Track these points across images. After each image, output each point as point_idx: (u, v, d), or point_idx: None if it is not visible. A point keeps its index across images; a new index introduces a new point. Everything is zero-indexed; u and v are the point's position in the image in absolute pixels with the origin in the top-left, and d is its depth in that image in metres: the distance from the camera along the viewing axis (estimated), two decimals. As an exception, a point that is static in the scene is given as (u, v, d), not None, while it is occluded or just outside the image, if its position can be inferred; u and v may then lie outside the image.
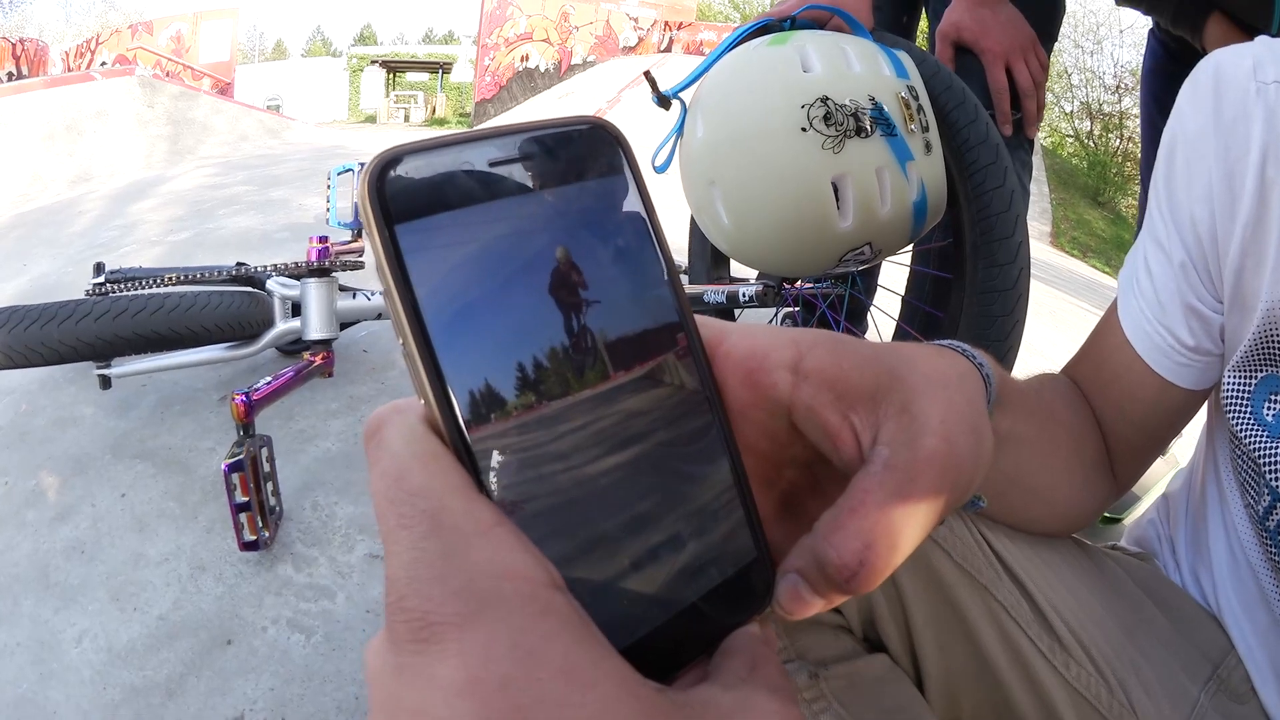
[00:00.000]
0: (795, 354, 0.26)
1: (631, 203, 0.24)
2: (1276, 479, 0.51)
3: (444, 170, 0.21)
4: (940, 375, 0.28)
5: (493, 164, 0.21)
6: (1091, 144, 13.56)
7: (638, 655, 0.20)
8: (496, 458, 0.21)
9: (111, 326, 1.42)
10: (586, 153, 0.23)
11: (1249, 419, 0.53)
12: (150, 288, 1.60)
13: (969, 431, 0.26)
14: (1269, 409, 0.51)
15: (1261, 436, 0.52)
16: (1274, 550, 0.53)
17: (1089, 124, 13.88)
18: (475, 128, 0.22)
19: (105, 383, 1.62)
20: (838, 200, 0.94)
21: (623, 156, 0.24)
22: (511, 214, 0.21)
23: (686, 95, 1.12)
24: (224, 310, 1.51)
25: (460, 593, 0.18)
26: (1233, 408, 0.54)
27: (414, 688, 0.18)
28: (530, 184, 0.22)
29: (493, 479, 0.20)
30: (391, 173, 0.20)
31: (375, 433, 0.21)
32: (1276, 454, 0.51)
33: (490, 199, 0.21)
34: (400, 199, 0.20)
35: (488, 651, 0.18)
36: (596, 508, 0.22)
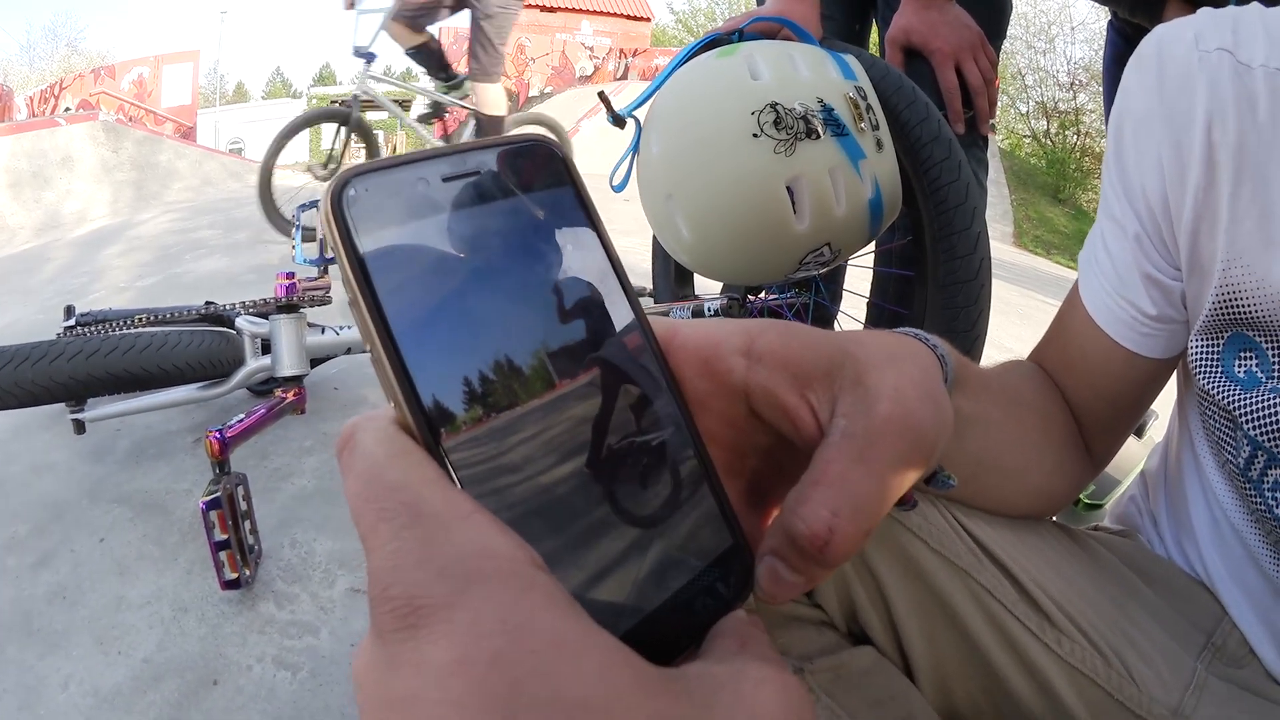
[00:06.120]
0: (746, 340, 0.27)
1: (577, 210, 0.25)
2: (1254, 428, 0.50)
3: (401, 186, 0.22)
4: (891, 350, 0.28)
5: (445, 179, 0.22)
6: (1049, 142, 13.77)
7: None
8: (468, 455, 0.21)
9: (84, 366, 1.41)
10: (533, 166, 0.24)
11: (1220, 379, 0.52)
12: (121, 329, 1.59)
13: (924, 397, 0.27)
14: (1240, 366, 0.51)
15: (1234, 391, 0.51)
16: (1257, 500, 0.52)
17: (1045, 123, 14.11)
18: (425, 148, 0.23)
19: (79, 427, 1.60)
20: (794, 203, 0.95)
21: (565, 168, 0.25)
22: (466, 224, 0.22)
23: (641, 113, 1.13)
24: (195, 349, 1.50)
25: (444, 573, 0.18)
26: (1202, 370, 0.53)
27: (403, 675, 0.17)
28: (482, 196, 0.23)
29: (465, 476, 0.21)
30: (351, 190, 0.21)
31: (348, 440, 0.22)
32: (1251, 405, 0.50)
33: (445, 211, 0.22)
34: (361, 213, 0.21)
35: (476, 629, 0.17)
36: (566, 504, 0.22)
